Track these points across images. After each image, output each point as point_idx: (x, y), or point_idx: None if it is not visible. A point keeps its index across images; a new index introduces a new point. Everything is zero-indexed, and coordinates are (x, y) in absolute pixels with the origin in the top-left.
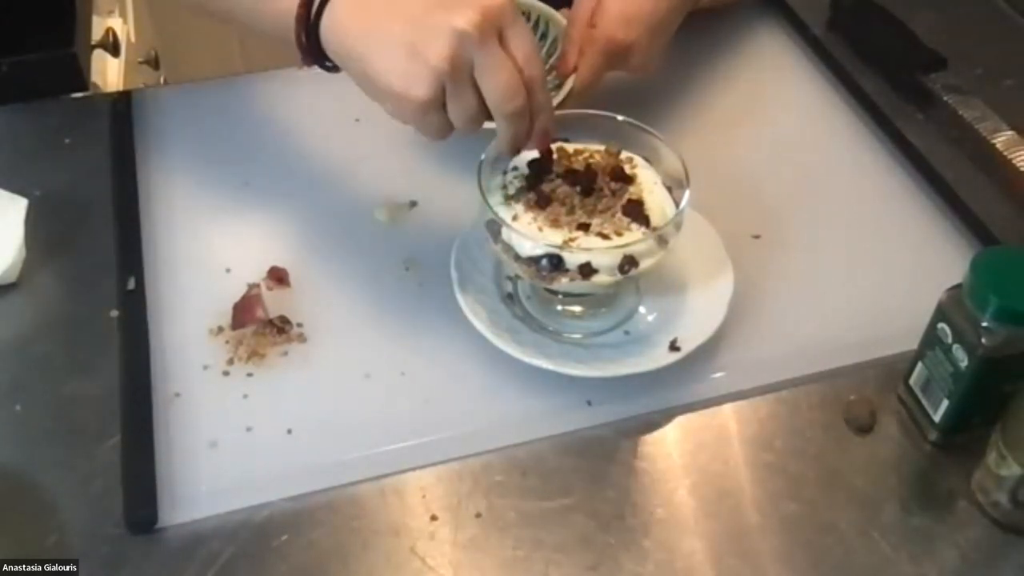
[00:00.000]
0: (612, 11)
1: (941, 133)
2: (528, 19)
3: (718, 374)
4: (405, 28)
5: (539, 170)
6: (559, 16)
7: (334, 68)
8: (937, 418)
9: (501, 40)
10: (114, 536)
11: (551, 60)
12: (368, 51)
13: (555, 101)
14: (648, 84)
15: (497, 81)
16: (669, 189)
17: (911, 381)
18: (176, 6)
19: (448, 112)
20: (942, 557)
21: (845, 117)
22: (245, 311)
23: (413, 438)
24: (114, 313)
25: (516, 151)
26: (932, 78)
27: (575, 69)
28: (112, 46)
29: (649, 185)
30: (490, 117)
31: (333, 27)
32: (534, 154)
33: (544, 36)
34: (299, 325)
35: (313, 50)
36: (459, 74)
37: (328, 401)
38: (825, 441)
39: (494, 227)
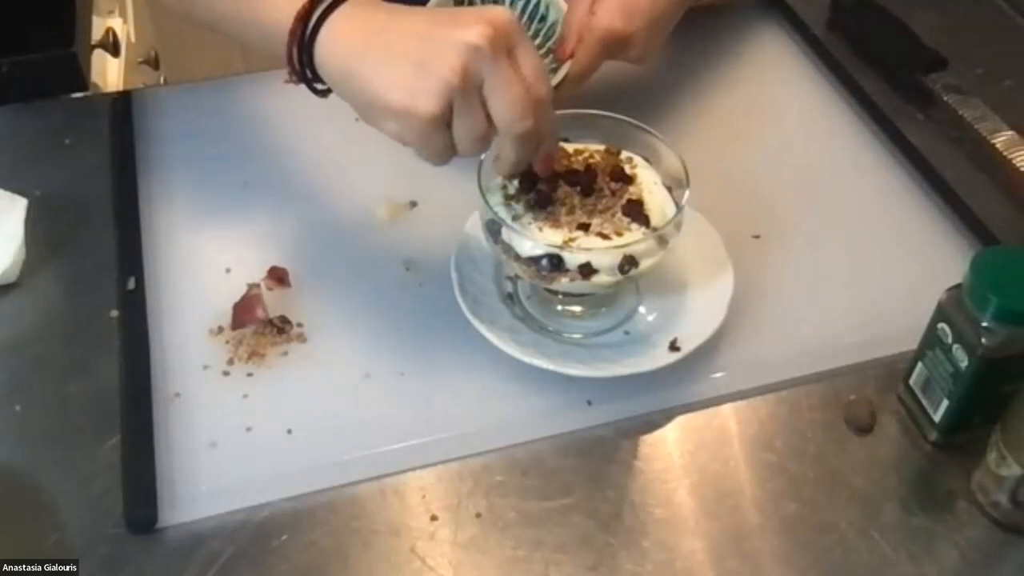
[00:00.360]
0: (613, 0)
1: (941, 133)
2: (530, 0)
3: (718, 374)
4: (411, 43)
5: (534, 182)
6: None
7: (324, 92)
8: (937, 418)
9: (510, 58)
10: (114, 536)
11: (549, 43)
12: (370, 67)
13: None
14: (648, 84)
15: (509, 99)
16: (669, 189)
17: (911, 381)
18: (167, 10)
19: (454, 130)
20: (942, 557)
21: (845, 117)
22: (245, 311)
23: (413, 438)
24: (114, 313)
25: (515, 176)
26: (932, 78)
27: (572, 55)
28: (112, 46)
29: (649, 185)
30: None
31: (331, 44)
32: None
33: (544, 18)
34: (299, 325)
35: (305, 70)
36: (469, 89)
37: (328, 401)
38: (825, 441)
39: (494, 227)
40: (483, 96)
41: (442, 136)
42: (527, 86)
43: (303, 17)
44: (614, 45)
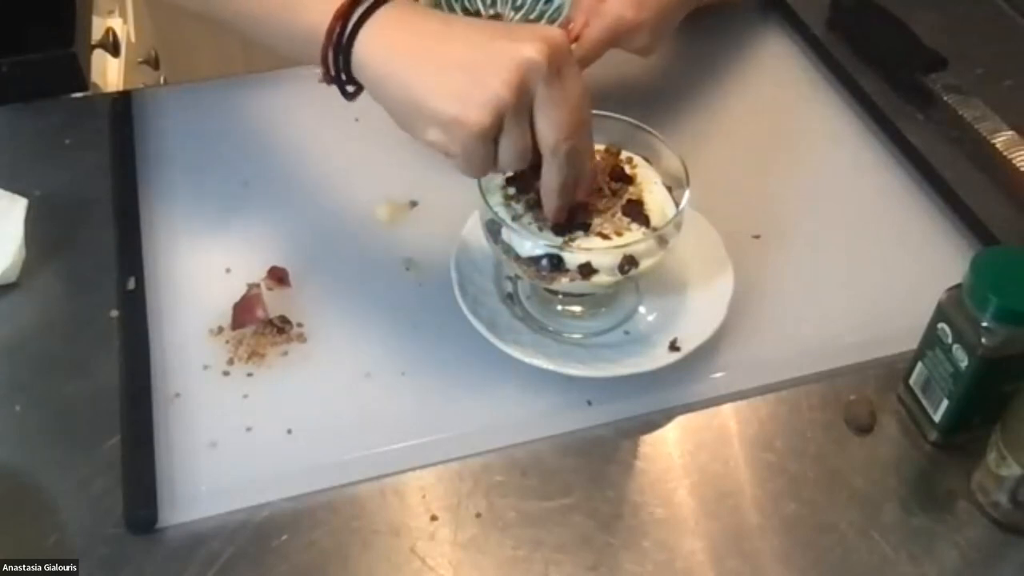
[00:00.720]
0: None
1: (941, 133)
2: None
3: (718, 374)
4: (466, 52)
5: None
6: None
7: (355, 94)
8: (937, 418)
9: (559, 77)
10: (114, 536)
11: (555, 25)
12: (418, 72)
13: None
14: (648, 84)
15: (557, 118)
16: (669, 189)
17: (911, 381)
18: (176, 8)
19: (500, 143)
20: (942, 557)
21: (845, 117)
22: (245, 311)
23: (413, 438)
24: (114, 313)
25: (563, 212)
26: (932, 78)
27: (576, 38)
28: (112, 46)
29: (649, 185)
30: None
31: (373, 45)
32: None
33: (550, 0)
34: (299, 325)
35: (339, 71)
36: (521, 105)
37: (328, 401)
38: (825, 441)
39: (494, 227)
40: (531, 113)
41: (487, 149)
42: (573, 107)
43: (343, 15)
44: (621, 33)
